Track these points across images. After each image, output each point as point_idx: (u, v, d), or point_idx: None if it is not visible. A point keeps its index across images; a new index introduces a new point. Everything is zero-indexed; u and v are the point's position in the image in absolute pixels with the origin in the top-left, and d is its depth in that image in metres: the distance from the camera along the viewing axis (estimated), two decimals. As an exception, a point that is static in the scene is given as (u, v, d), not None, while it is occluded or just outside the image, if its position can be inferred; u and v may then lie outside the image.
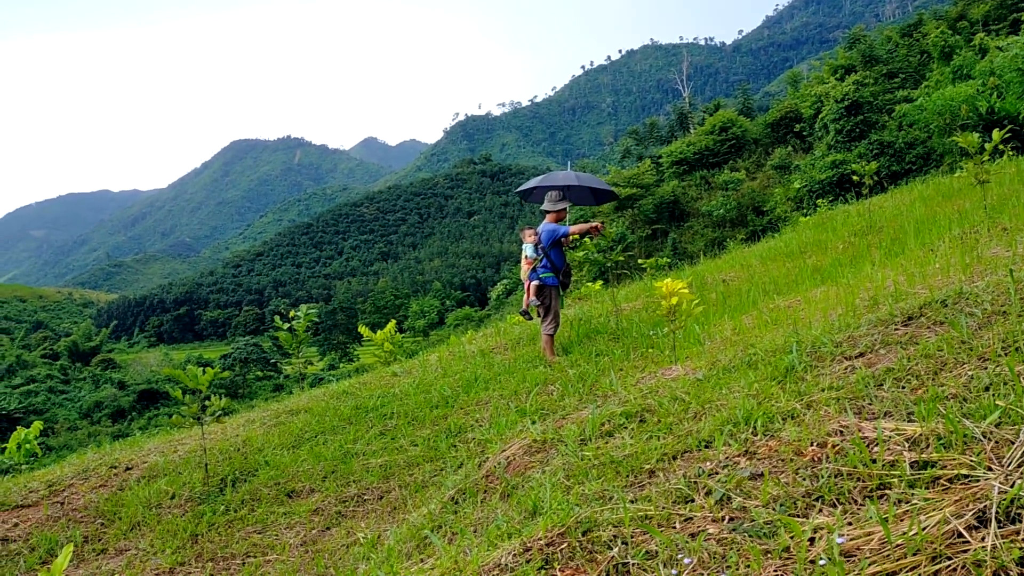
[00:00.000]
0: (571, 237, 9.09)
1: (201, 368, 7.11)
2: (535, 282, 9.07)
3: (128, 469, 7.85)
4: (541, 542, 2.85)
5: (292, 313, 12.74)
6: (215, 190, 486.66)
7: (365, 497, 6.36)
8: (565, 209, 9.16)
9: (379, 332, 15.30)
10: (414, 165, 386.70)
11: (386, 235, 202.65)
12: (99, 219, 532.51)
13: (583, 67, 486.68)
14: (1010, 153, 15.55)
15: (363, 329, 16.20)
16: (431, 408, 8.16)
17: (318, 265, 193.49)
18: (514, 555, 2.84)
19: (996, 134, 9.32)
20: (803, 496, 2.64)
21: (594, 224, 9.00)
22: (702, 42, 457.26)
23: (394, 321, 16.57)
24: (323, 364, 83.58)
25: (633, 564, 2.53)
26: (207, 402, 7.25)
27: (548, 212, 9.11)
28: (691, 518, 2.75)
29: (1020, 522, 2.07)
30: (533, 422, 5.64)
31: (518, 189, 10.24)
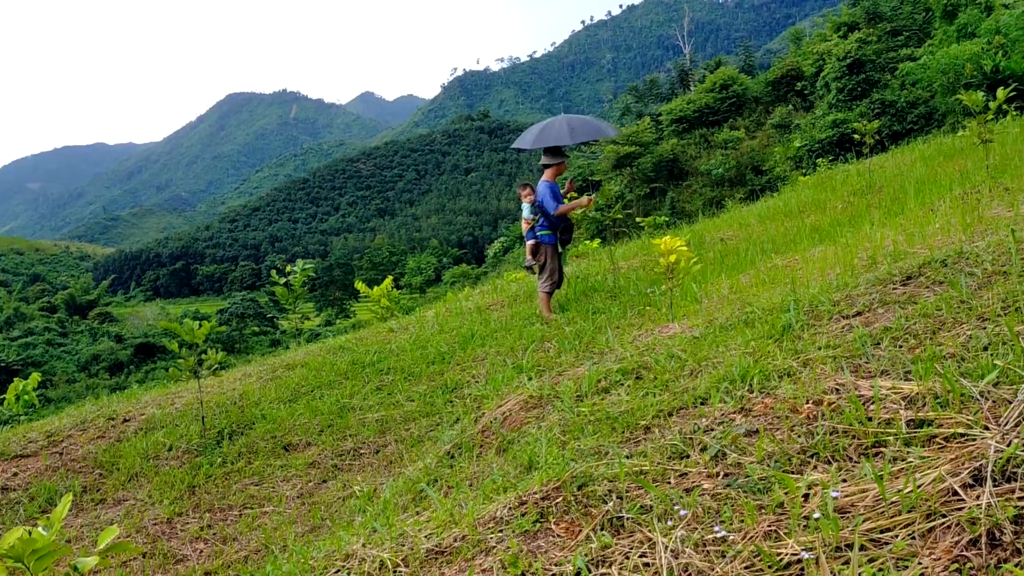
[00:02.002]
0: (560, 213, 9.02)
1: (197, 322, 7.11)
2: (531, 241, 9.06)
3: (126, 421, 7.88)
4: (536, 496, 2.86)
5: (288, 268, 12.72)
6: (210, 144, 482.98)
7: (361, 451, 6.40)
8: (563, 162, 9.07)
9: (376, 288, 15.29)
10: (411, 121, 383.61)
11: (383, 191, 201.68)
12: (95, 172, 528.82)
13: (583, 22, 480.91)
14: (1014, 113, 15.41)
15: (360, 285, 16.19)
16: (427, 364, 8.18)
17: (314, 221, 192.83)
18: (509, 508, 2.86)
19: (1001, 92, 9.24)
20: (798, 453, 2.64)
21: (581, 201, 9.03)
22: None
23: (391, 277, 16.55)
24: (320, 320, 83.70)
25: (628, 518, 2.54)
26: (204, 356, 7.26)
27: (547, 167, 9.04)
28: (686, 474, 2.76)
29: (1016, 481, 2.07)
30: (530, 378, 5.65)
31: (513, 145, 10.12)
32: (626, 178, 56.33)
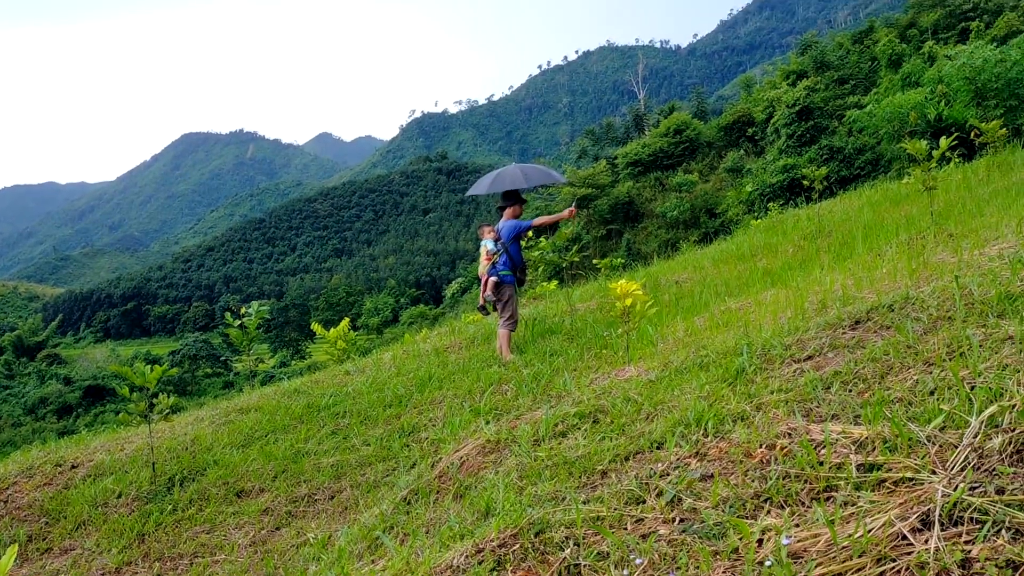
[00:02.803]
0: (538, 224, 9.29)
1: (149, 365, 6.98)
2: (493, 278, 9.09)
3: (74, 467, 7.68)
4: (494, 543, 2.85)
5: (243, 309, 12.57)
6: (165, 183, 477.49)
7: (316, 497, 6.30)
8: (520, 204, 9.28)
9: (332, 329, 15.15)
10: (370, 161, 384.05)
11: (340, 231, 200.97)
12: (46, 211, 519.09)
13: (540, 67, 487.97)
14: (957, 160, 15.95)
15: (316, 326, 16.04)
16: (384, 407, 8.12)
17: (270, 261, 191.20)
18: (466, 556, 2.84)
19: (943, 141, 9.55)
20: (752, 497, 2.67)
21: (563, 214, 9.24)
22: (657, 45, 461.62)
23: (348, 318, 16.43)
24: (274, 361, 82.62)
25: (585, 565, 2.54)
26: (155, 400, 7.13)
27: (503, 208, 9.17)
28: (642, 519, 2.77)
29: (962, 525, 2.12)
30: (487, 422, 5.64)
31: (468, 193, 10.30)
32: (583, 220, 56.91)
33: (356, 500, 5.90)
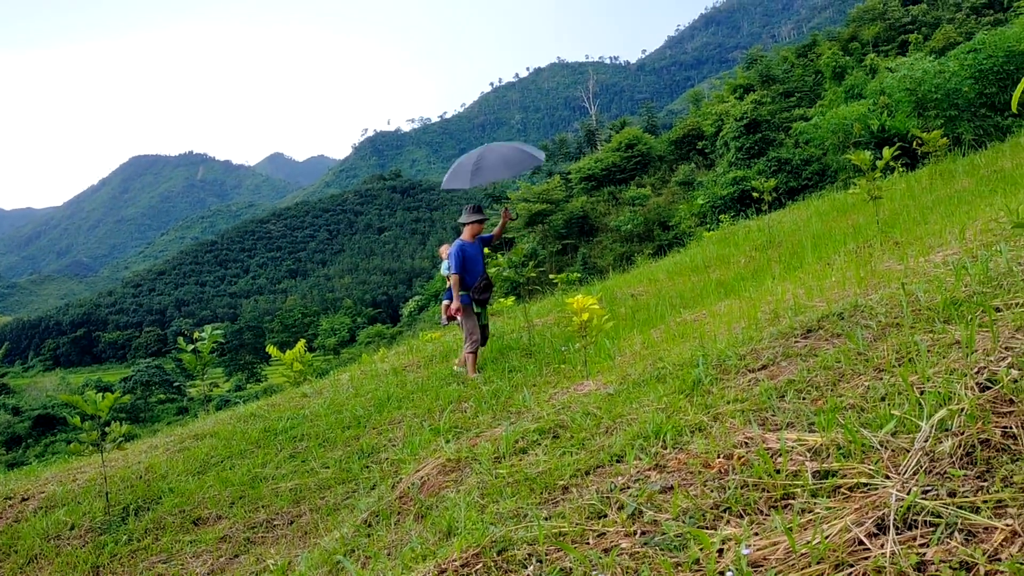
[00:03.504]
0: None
1: (100, 393, 6.83)
2: (446, 301, 9.10)
3: (24, 500, 7.48)
4: (456, 563, 2.83)
5: (196, 334, 12.39)
6: (114, 207, 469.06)
7: (275, 522, 6.21)
8: (482, 220, 9.07)
9: (288, 351, 14.98)
10: (322, 181, 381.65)
11: (294, 252, 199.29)
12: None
13: (492, 84, 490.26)
14: (900, 170, 16.34)
15: (271, 349, 15.83)
16: (343, 429, 8.04)
17: (223, 284, 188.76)
18: (429, 578, 2.82)
19: (887, 151, 9.80)
20: (712, 508, 2.69)
21: (458, 307, 8.86)
22: (607, 61, 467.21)
23: (303, 340, 16.26)
24: (229, 385, 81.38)
25: (548, 582, 2.53)
26: (107, 428, 6.97)
27: (464, 224, 9.09)
28: (604, 533, 2.78)
29: (917, 528, 2.16)
30: (447, 441, 5.62)
31: (444, 186, 9.82)
32: (538, 235, 57.16)
33: (316, 524, 5.82)
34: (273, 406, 10.05)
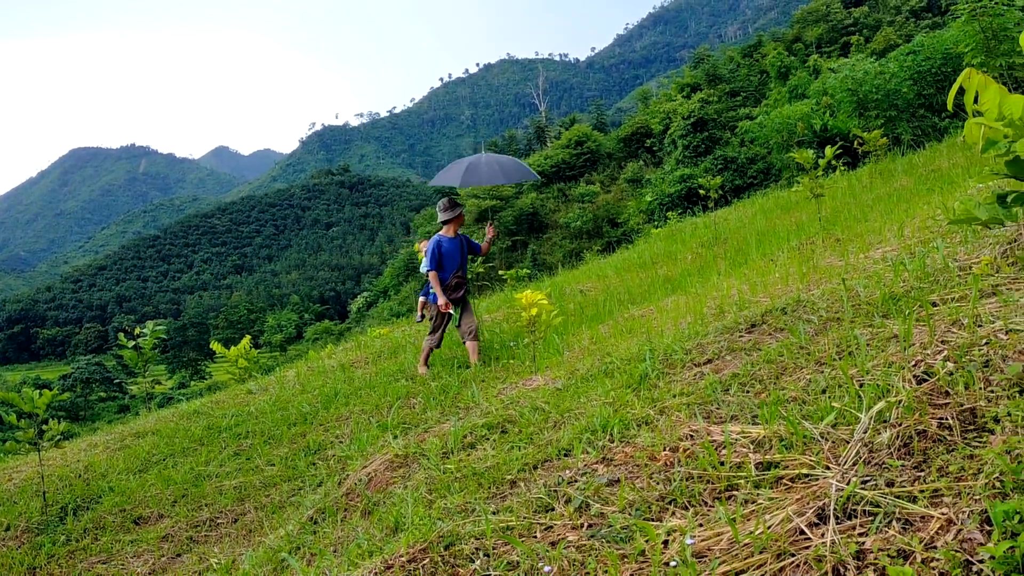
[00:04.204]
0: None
1: (38, 390, 6.65)
2: (422, 298, 8.98)
3: (-47, 502, 7.24)
4: (403, 559, 2.81)
5: (138, 330, 12.15)
6: (52, 201, 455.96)
7: (219, 521, 6.11)
8: (460, 215, 8.69)
9: (233, 348, 14.76)
10: (269, 175, 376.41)
11: (240, 247, 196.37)
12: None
13: (442, 79, 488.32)
14: (842, 168, 16.70)
15: (216, 345, 15.60)
16: (289, 426, 7.94)
17: (166, 279, 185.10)
18: (375, 574, 2.80)
19: (829, 150, 10.00)
20: (657, 500, 2.72)
21: (446, 302, 8.53)
22: (557, 58, 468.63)
23: (249, 336, 16.04)
24: (172, 383, 79.88)
25: (495, 576, 2.53)
26: (44, 426, 6.79)
27: (446, 222, 8.74)
28: (552, 527, 2.79)
29: (856, 517, 2.20)
30: (395, 437, 5.58)
31: (434, 182, 9.61)
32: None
33: (261, 522, 5.74)
34: (217, 403, 9.90)
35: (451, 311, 8.69)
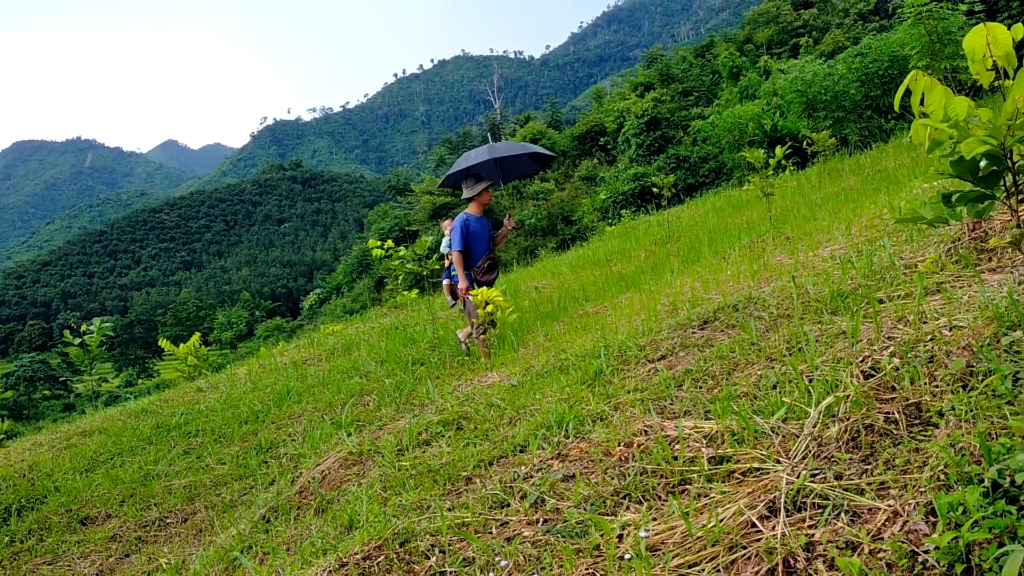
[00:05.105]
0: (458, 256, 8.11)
1: (-23, 390, 6.48)
2: (446, 281, 8.54)
3: None
4: (358, 556, 2.80)
5: (84, 327, 11.90)
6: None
7: (168, 520, 6.01)
8: (486, 191, 8.23)
9: (182, 345, 14.51)
10: (219, 170, 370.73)
11: (189, 243, 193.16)
12: None
13: (396, 75, 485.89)
14: (792, 168, 16.98)
15: (164, 343, 15.31)
16: (240, 424, 7.84)
17: (113, 275, 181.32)
18: (329, 572, 2.78)
19: (779, 150, 10.17)
20: (612, 495, 2.74)
21: (466, 287, 8.03)
22: (512, 55, 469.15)
23: (198, 334, 15.77)
24: (119, 381, 78.19)
25: (451, 571, 2.53)
26: (-15, 426, 6.62)
27: (468, 200, 8.34)
28: (507, 522, 2.79)
29: (805, 510, 2.25)
30: (349, 434, 5.55)
31: (440, 184, 9.15)
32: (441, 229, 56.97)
33: (211, 521, 5.66)
34: (166, 401, 9.73)
35: (469, 296, 8.10)
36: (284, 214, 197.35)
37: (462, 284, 8.05)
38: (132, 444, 7.90)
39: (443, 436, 4.29)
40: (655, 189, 15.33)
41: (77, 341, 11.59)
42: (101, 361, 12.49)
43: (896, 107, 2.58)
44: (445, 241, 8.74)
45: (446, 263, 8.73)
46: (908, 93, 2.49)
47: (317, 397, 8.11)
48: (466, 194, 8.32)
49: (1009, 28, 2.40)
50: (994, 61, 2.42)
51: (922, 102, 2.47)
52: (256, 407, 8.26)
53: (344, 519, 3.51)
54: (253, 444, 7.13)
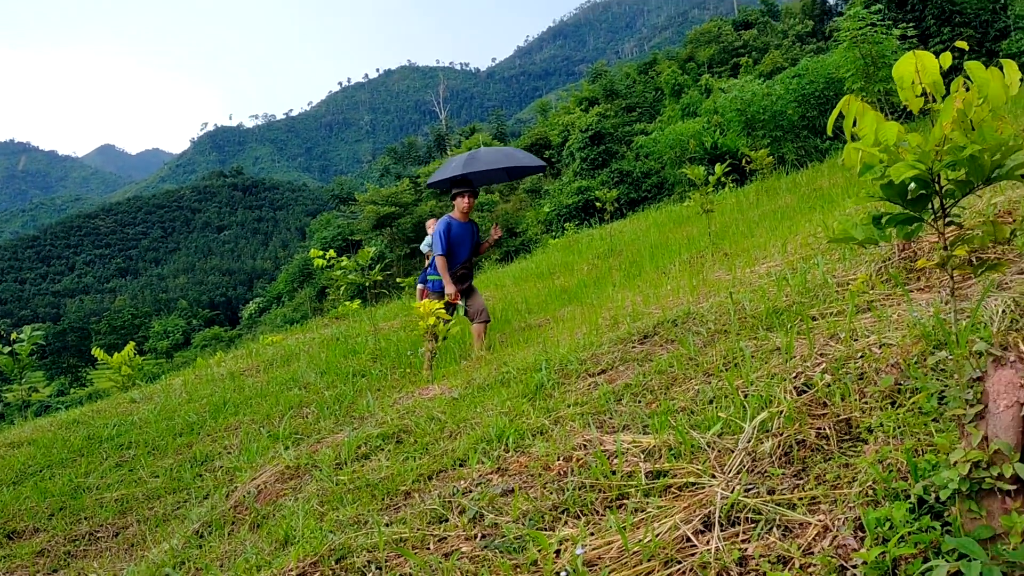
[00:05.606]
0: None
1: None
2: (420, 286, 8.26)
3: None
4: (293, 573, 2.76)
5: (14, 335, 11.54)
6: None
7: (99, 535, 5.84)
8: (466, 192, 8.06)
9: (116, 355, 14.14)
10: (157, 176, 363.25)
11: (125, 250, 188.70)
12: None
13: (341, 83, 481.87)
14: (731, 185, 17.31)
15: (98, 351, 14.91)
16: (175, 436, 7.66)
17: (45, 282, 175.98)
18: (264, 589, 2.73)
19: (718, 168, 10.35)
20: (550, 509, 2.75)
21: (455, 291, 7.96)
22: (458, 67, 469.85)
23: (133, 342, 15.40)
24: (51, 390, 75.88)
25: (388, 589, 2.51)
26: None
27: (454, 197, 8.22)
28: (445, 538, 2.78)
29: (739, 525, 2.29)
30: (286, 447, 5.47)
31: (430, 181, 8.92)
32: (386, 238, 56.68)
33: (144, 536, 5.51)
34: (98, 412, 9.47)
35: (459, 302, 8.10)
36: (224, 221, 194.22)
37: (448, 289, 7.93)
38: (62, 456, 7.67)
39: (383, 450, 4.26)
40: (599, 203, 15.48)
41: (7, 349, 11.24)
42: (32, 370, 12.15)
43: (829, 130, 2.65)
44: (427, 240, 8.58)
45: (426, 263, 8.53)
46: (841, 116, 2.56)
47: (255, 409, 7.98)
48: (453, 191, 8.21)
49: (938, 56, 2.49)
50: (923, 88, 2.50)
51: (854, 125, 2.55)
52: (192, 419, 8.09)
53: (279, 534, 3.45)
54: (188, 457, 6.98)
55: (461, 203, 8.11)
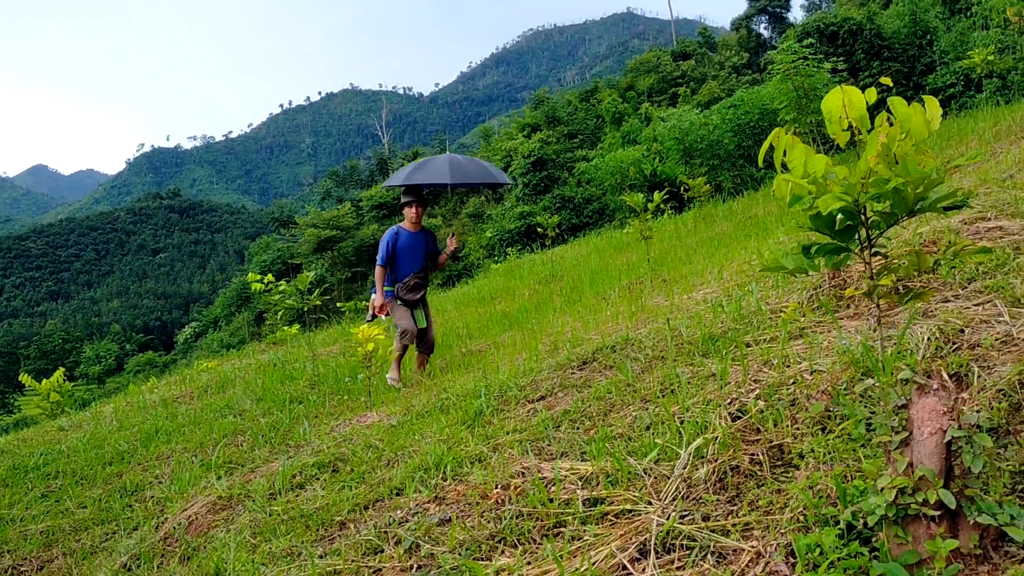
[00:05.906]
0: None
1: None
2: (374, 296, 8.08)
3: None
4: (223, 608, 2.69)
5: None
6: None
7: (22, 568, 5.61)
8: (413, 202, 7.97)
9: (45, 381, 13.70)
10: (91, 197, 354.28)
11: (56, 272, 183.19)
12: None
13: (282, 105, 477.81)
14: (670, 212, 17.59)
15: (25, 378, 14.41)
16: (104, 465, 7.43)
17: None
18: (192, 625, 2.65)
19: (657, 195, 10.52)
20: (488, 539, 2.73)
21: (382, 304, 7.77)
22: (401, 91, 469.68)
23: (63, 368, 14.93)
24: (-27, 418, 73.04)
25: (321, 623, 2.46)
26: None
27: (403, 206, 8.14)
28: (380, 569, 2.74)
29: (675, 552, 2.30)
30: (219, 477, 5.34)
31: (387, 183, 8.78)
32: (327, 262, 56.14)
33: (69, 569, 5.32)
34: (24, 441, 9.14)
35: (383, 316, 7.86)
36: (160, 244, 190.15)
37: (377, 300, 7.76)
38: (-18, 488, 7.37)
39: (318, 479, 4.19)
40: (540, 228, 15.61)
41: (-77, 376, 10.80)
42: (-49, 398, 11.65)
43: (760, 162, 2.72)
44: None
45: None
46: (772, 148, 2.63)
47: (188, 437, 7.78)
48: (403, 199, 8.12)
49: (864, 91, 2.57)
50: (850, 122, 2.58)
51: (785, 156, 2.61)
52: (122, 447, 7.86)
53: (210, 567, 3.36)
54: (117, 487, 6.77)
55: (410, 212, 8.01)
